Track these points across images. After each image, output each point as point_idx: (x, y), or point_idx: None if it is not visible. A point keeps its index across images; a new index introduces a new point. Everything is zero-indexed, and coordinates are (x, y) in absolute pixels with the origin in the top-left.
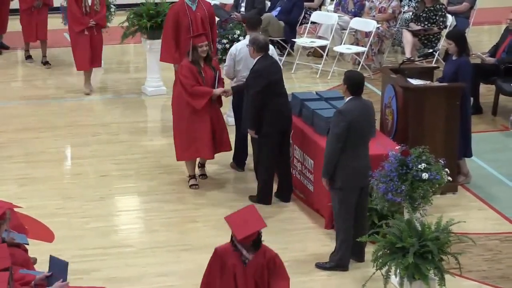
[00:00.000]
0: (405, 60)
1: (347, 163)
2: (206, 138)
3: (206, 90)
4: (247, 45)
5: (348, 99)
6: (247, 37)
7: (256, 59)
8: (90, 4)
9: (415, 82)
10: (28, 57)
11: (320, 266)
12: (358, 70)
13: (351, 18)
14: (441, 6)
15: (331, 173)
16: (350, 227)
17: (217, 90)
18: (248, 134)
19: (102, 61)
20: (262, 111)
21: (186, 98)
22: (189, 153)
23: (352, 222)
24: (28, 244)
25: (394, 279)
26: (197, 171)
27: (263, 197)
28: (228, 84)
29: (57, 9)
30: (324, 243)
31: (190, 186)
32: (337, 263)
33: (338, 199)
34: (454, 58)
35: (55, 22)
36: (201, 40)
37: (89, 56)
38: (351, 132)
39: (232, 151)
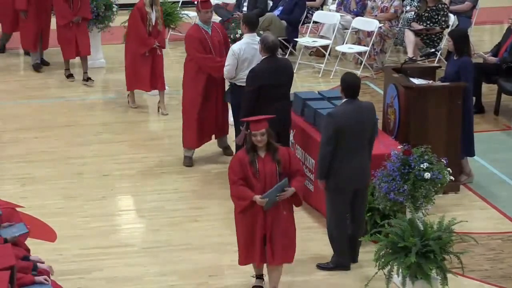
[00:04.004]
0: (407, 59)
1: (340, 166)
2: (257, 244)
3: (246, 194)
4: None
5: (342, 101)
6: (247, 36)
7: (262, 58)
8: (153, 24)
9: (417, 81)
10: (70, 75)
11: (322, 267)
12: (360, 69)
13: (353, 18)
14: (443, 5)
15: (324, 175)
16: (342, 227)
17: (257, 197)
18: None
19: (104, 60)
20: (254, 110)
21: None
22: (246, 259)
23: (344, 222)
24: (27, 232)
25: (396, 279)
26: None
27: None
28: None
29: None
30: (325, 242)
31: (253, 287)
32: (337, 263)
33: (330, 200)
34: (456, 57)
35: (53, 21)
36: (258, 128)
37: (149, 78)
38: (341, 135)
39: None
